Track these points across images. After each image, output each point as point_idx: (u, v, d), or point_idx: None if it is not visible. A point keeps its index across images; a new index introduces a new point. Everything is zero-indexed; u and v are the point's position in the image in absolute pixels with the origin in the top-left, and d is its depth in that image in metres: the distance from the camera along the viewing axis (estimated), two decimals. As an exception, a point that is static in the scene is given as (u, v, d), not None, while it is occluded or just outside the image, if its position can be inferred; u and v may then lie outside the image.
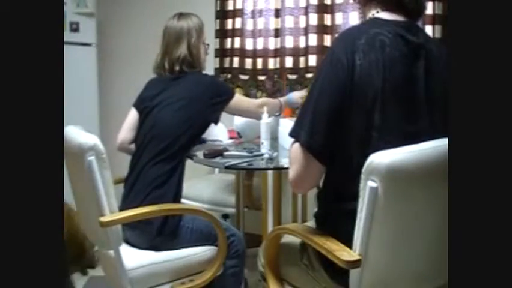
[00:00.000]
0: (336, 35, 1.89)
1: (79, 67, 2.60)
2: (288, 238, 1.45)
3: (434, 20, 2.52)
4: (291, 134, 1.20)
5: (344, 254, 1.07)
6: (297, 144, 1.18)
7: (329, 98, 1.13)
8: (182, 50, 1.93)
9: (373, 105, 1.11)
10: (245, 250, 1.87)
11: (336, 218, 1.22)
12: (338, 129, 1.13)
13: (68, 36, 2.54)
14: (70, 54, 2.31)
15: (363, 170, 1.03)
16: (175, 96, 1.85)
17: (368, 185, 1.02)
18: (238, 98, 2.00)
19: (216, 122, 1.92)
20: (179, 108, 1.82)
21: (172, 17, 2.00)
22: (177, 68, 1.92)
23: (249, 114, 2.06)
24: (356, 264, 1.05)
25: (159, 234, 1.69)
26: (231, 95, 1.95)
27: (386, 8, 1.21)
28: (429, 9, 2.51)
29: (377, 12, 1.22)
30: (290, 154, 1.22)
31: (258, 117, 2.01)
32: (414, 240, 1.11)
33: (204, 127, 1.90)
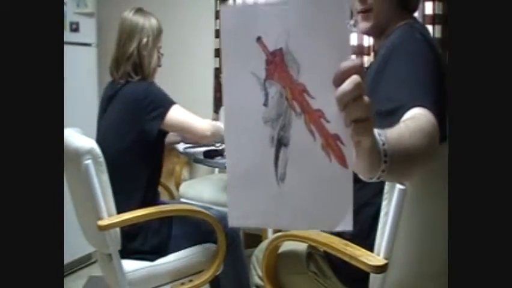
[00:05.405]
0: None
1: (79, 67, 2.59)
2: (289, 246, 1.40)
3: (434, 20, 2.52)
4: None
5: (371, 259, 1.06)
6: None
7: None
8: (133, 50, 1.73)
9: None
10: (239, 234, 1.87)
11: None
12: None
13: (68, 36, 2.54)
14: (70, 54, 2.31)
15: None
16: (112, 127, 1.73)
17: (396, 187, 1.00)
18: (178, 112, 1.69)
19: (151, 138, 1.67)
20: (117, 137, 1.69)
21: (128, 10, 1.80)
22: (124, 71, 1.72)
23: (192, 134, 1.71)
24: (383, 268, 1.04)
25: (152, 251, 1.68)
26: (167, 106, 1.66)
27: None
28: (429, 9, 2.51)
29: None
30: None
31: (203, 141, 1.71)
32: (437, 238, 1.08)
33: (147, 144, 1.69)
